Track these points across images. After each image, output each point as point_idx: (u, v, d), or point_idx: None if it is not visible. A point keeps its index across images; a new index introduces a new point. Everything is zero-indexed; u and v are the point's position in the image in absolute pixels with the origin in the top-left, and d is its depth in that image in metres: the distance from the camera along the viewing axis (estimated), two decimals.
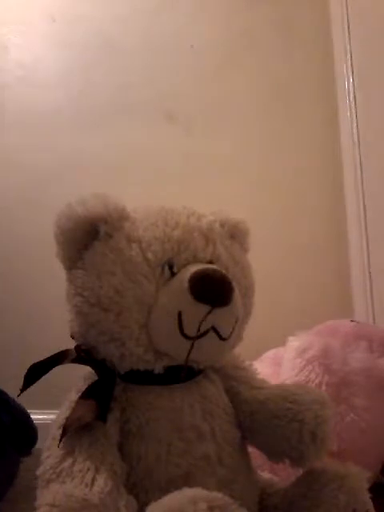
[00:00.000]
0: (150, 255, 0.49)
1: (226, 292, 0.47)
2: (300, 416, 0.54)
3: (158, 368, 0.51)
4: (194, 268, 0.48)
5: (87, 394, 0.50)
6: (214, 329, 0.47)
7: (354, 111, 1.53)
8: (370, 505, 0.55)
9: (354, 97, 1.53)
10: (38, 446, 0.96)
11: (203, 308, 0.46)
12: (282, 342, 0.97)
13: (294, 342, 0.88)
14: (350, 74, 1.54)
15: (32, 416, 0.98)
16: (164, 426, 0.50)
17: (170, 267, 0.49)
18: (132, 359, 0.51)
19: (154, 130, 1.56)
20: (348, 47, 1.55)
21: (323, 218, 1.53)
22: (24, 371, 0.87)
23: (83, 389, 0.52)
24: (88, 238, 0.51)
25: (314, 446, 0.54)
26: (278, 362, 0.89)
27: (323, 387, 0.79)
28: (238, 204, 1.51)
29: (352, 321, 1.00)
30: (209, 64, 1.60)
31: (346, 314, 1.34)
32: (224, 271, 0.49)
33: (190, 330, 0.46)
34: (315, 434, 0.53)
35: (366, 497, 0.55)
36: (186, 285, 0.47)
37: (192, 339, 0.47)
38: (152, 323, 0.48)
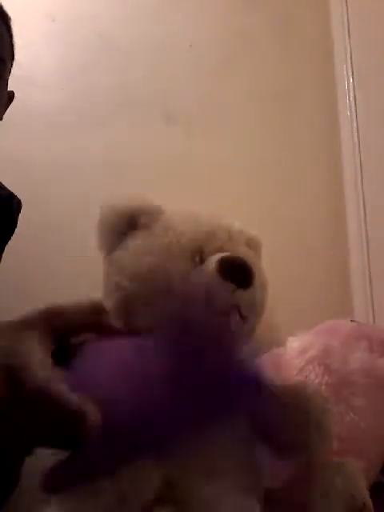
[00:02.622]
0: (183, 241, 0.56)
1: (248, 274, 0.54)
2: (304, 407, 0.56)
3: None
4: (222, 254, 0.55)
5: None
6: (237, 307, 0.53)
7: (353, 111, 1.53)
8: (367, 494, 0.56)
9: (354, 97, 1.53)
10: None
11: (228, 285, 0.52)
12: (282, 342, 0.97)
13: (294, 342, 0.88)
14: (350, 74, 1.54)
15: None
16: None
17: (200, 255, 0.56)
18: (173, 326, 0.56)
19: (153, 130, 1.56)
20: (348, 47, 1.55)
21: (323, 217, 1.53)
22: None
23: None
24: (128, 228, 0.58)
25: (319, 436, 0.56)
26: (277, 362, 0.89)
27: (323, 387, 0.79)
28: (238, 204, 1.51)
29: (352, 321, 1.00)
30: (208, 64, 1.60)
31: (346, 314, 1.34)
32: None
33: (217, 305, 0.52)
34: (320, 424, 0.56)
35: (363, 484, 0.57)
36: (213, 265, 0.53)
37: (215, 313, 0.52)
38: (181, 299, 0.54)
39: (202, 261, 0.56)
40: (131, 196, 0.60)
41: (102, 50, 1.61)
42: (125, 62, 1.61)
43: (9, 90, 0.92)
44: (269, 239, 1.57)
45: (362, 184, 1.49)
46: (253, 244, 0.65)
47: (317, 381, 0.80)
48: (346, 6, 1.56)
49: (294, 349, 0.86)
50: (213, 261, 0.54)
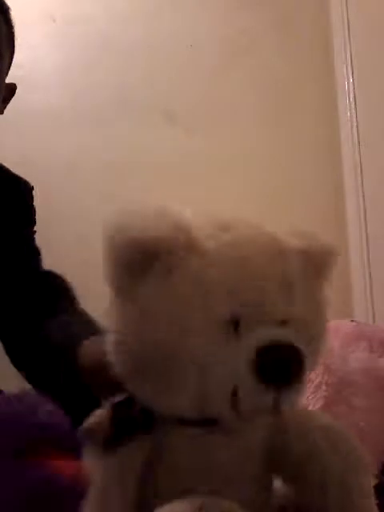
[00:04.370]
0: (213, 306, 0.40)
1: (295, 372, 0.40)
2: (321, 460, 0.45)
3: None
4: (262, 334, 0.40)
5: None
6: (273, 402, 0.40)
7: (354, 111, 1.53)
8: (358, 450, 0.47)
9: (354, 97, 1.53)
10: None
11: (265, 391, 0.39)
12: None
13: None
14: (350, 74, 1.54)
15: None
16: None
17: (235, 325, 0.40)
18: (172, 411, 0.44)
19: (153, 130, 1.56)
20: (348, 47, 1.55)
21: (323, 218, 1.53)
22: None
23: None
24: (145, 264, 0.42)
25: (341, 498, 0.44)
26: None
27: (323, 387, 0.79)
28: (237, 204, 1.51)
29: (352, 321, 1.00)
30: (208, 64, 1.60)
31: (346, 314, 1.34)
32: (298, 336, 0.41)
33: (245, 407, 0.40)
34: (344, 484, 0.44)
35: (353, 444, 0.47)
36: (250, 357, 0.39)
37: (243, 414, 0.40)
38: (202, 386, 0.41)
39: (237, 332, 0.40)
40: (154, 215, 0.42)
41: (102, 49, 1.61)
42: (125, 62, 1.61)
43: (11, 83, 0.90)
44: None
45: (362, 184, 1.49)
46: (313, 255, 0.49)
47: (317, 381, 0.80)
48: (346, 6, 1.56)
49: None
50: (250, 346, 0.39)
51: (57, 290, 0.88)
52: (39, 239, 0.97)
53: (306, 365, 0.40)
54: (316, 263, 0.49)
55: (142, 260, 0.42)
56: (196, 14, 1.62)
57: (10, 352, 0.87)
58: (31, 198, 0.99)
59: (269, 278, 0.42)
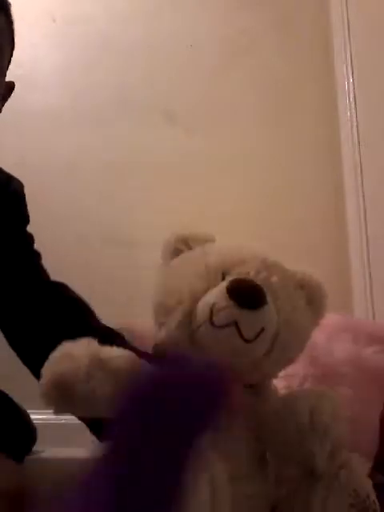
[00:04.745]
0: (210, 262, 0.61)
1: (255, 297, 0.56)
2: (304, 415, 0.56)
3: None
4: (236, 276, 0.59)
5: None
6: (236, 325, 0.55)
7: (354, 111, 1.52)
8: (371, 488, 0.56)
9: (354, 97, 1.53)
10: (37, 447, 0.96)
11: (231, 303, 0.55)
12: None
13: None
14: (350, 74, 1.54)
15: (32, 416, 0.98)
16: None
17: (223, 277, 0.60)
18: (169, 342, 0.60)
19: (153, 130, 1.56)
20: (348, 47, 1.55)
21: (323, 218, 1.53)
22: (22, 371, 0.87)
23: None
24: (181, 248, 0.67)
25: (324, 446, 0.55)
26: None
27: (309, 379, 0.80)
28: (237, 204, 1.52)
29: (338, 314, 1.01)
30: (208, 64, 1.60)
31: (345, 313, 1.34)
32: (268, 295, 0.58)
33: (217, 320, 0.55)
34: (326, 433, 0.55)
35: (367, 479, 0.56)
36: (225, 284, 0.57)
37: (216, 327, 0.55)
38: (195, 311, 0.58)
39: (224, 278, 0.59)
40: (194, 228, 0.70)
41: (102, 49, 1.61)
42: (125, 62, 1.61)
43: (9, 81, 0.90)
44: (269, 239, 1.57)
45: (362, 184, 1.49)
46: (307, 285, 0.66)
47: (302, 373, 0.81)
48: (346, 6, 1.56)
49: None
50: (227, 280, 0.58)
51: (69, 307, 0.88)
52: (39, 239, 0.97)
53: (264, 298, 0.56)
54: (307, 294, 0.65)
55: (182, 245, 0.68)
56: (196, 13, 1.62)
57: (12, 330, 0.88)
58: (24, 196, 0.98)
59: (257, 258, 0.63)
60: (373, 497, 0.55)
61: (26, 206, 0.98)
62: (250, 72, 1.59)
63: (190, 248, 0.67)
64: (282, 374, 0.69)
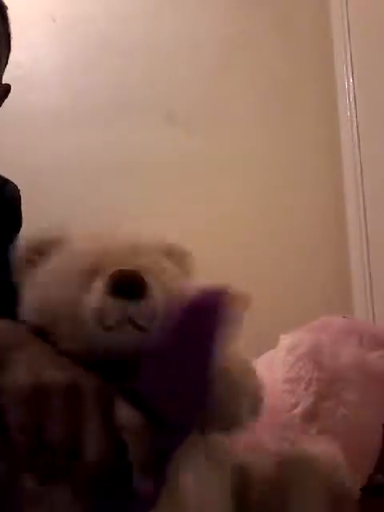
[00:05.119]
0: (77, 263, 0.56)
1: (138, 285, 0.54)
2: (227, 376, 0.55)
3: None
4: (111, 271, 0.55)
5: None
6: (129, 320, 0.52)
7: (354, 111, 1.53)
8: (344, 483, 0.54)
9: (354, 97, 1.53)
10: None
11: (118, 303, 0.52)
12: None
13: (285, 340, 0.88)
14: (350, 74, 1.54)
15: None
16: None
17: (97, 275, 0.55)
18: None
19: (153, 130, 1.56)
20: (348, 47, 1.55)
21: (323, 218, 1.53)
22: None
23: None
24: (36, 256, 0.60)
25: (247, 405, 0.54)
26: (269, 360, 0.89)
27: (314, 383, 0.79)
28: (237, 204, 1.52)
29: (344, 317, 1.00)
30: (208, 64, 1.60)
31: (345, 313, 1.34)
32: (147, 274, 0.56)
33: (109, 322, 0.52)
34: (247, 390, 0.55)
35: (342, 474, 0.55)
36: (101, 284, 0.53)
37: (110, 330, 0.52)
38: (78, 321, 0.54)
39: (98, 275, 0.55)
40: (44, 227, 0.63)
41: (102, 49, 1.61)
42: (125, 62, 1.61)
43: (5, 83, 0.90)
44: (269, 239, 1.57)
45: (362, 184, 1.49)
46: (173, 252, 0.63)
47: (307, 377, 0.80)
48: (346, 6, 1.56)
49: (285, 346, 0.87)
50: (101, 280, 0.54)
51: None
52: None
53: (148, 284, 0.53)
54: (170, 252, 0.62)
55: (35, 253, 0.60)
56: (196, 14, 1.63)
57: None
58: (20, 200, 0.98)
59: (119, 241, 0.59)
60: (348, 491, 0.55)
61: (20, 210, 0.98)
62: (250, 72, 1.59)
63: (43, 254, 0.60)
64: (286, 376, 0.69)
